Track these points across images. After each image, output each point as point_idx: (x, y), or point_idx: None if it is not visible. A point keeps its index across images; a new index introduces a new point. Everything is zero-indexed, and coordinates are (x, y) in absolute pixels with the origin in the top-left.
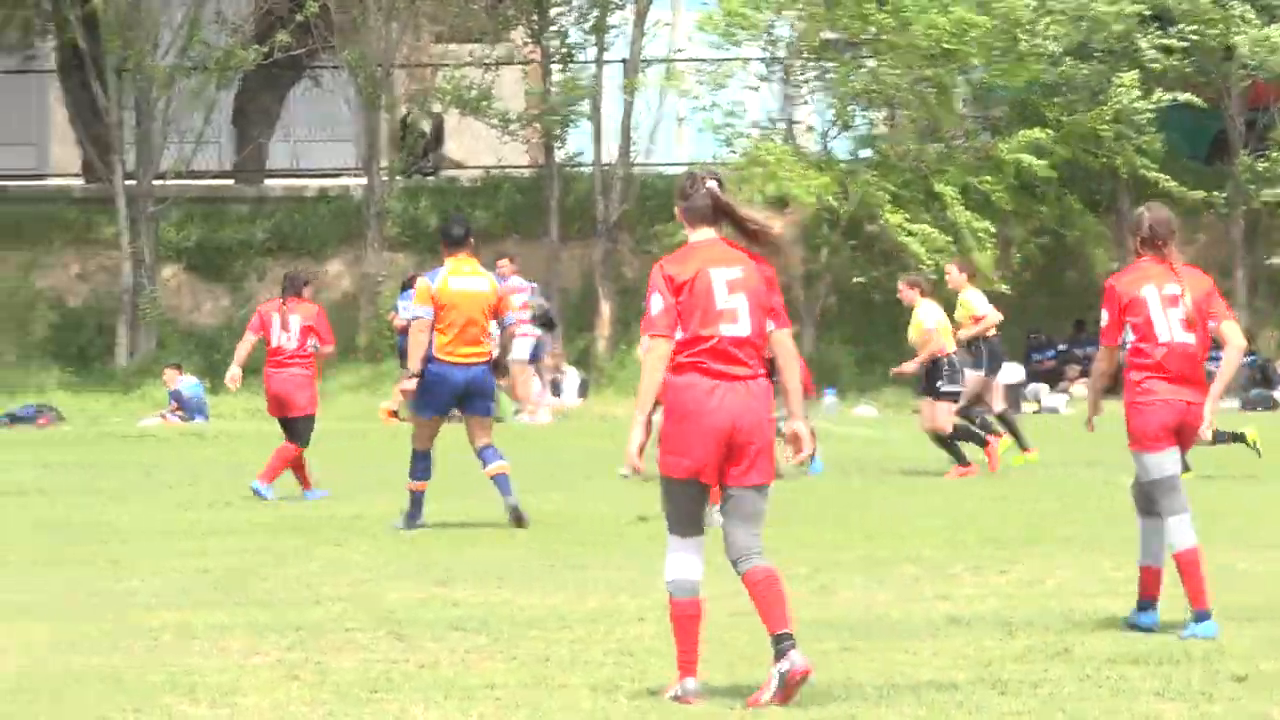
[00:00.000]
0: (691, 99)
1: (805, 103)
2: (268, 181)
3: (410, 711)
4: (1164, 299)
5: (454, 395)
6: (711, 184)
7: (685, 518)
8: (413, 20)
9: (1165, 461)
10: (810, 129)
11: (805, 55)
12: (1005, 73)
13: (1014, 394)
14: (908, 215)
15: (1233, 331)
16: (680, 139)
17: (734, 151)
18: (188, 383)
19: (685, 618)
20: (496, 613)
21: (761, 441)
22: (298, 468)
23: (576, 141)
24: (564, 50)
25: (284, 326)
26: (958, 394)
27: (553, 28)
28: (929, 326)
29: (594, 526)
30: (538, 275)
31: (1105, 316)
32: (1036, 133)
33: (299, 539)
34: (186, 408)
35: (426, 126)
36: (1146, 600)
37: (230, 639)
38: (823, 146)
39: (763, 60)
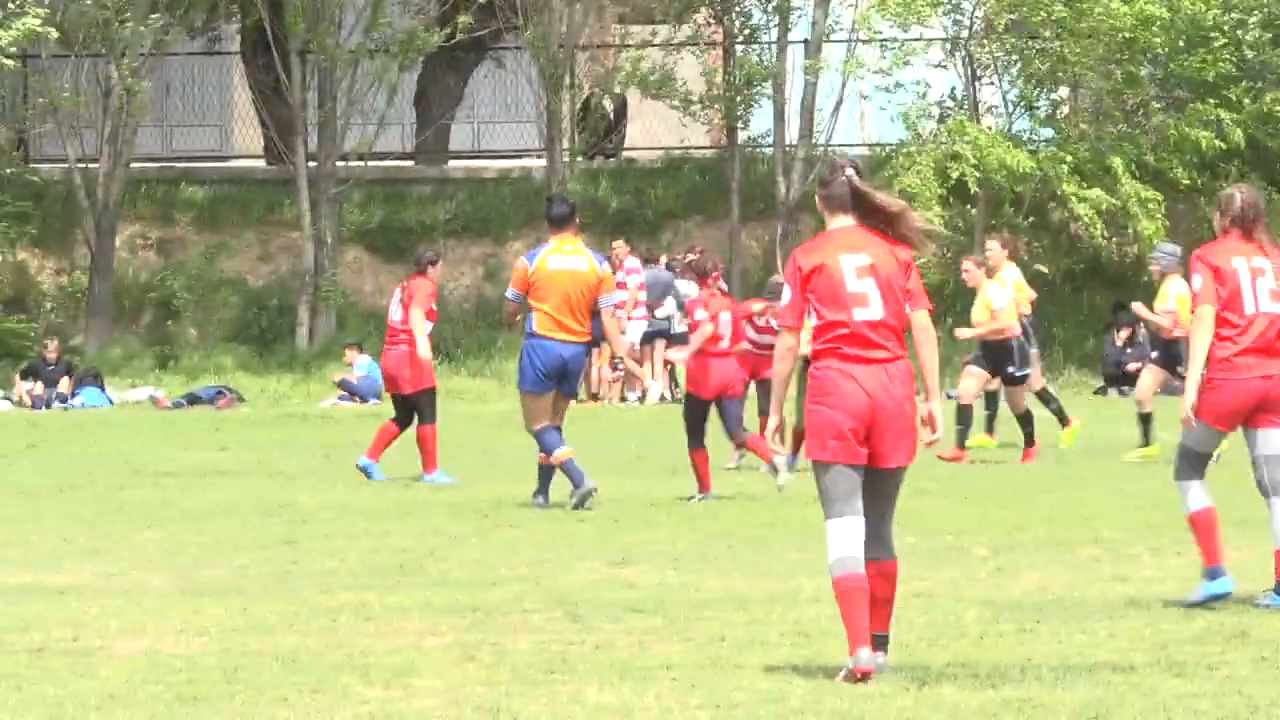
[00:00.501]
0: (874, 76)
1: (991, 83)
2: (449, 163)
3: (585, 693)
4: (1252, 271)
5: (556, 371)
6: (850, 172)
7: (839, 498)
8: (595, 2)
9: (1213, 438)
10: (991, 109)
11: (988, 37)
12: (1191, 65)
13: None
14: (1084, 185)
15: None
16: (863, 119)
17: (919, 132)
18: (363, 361)
19: (849, 592)
20: (672, 594)
21: (901, 423)
22: (424, 447)
23: (759, 122)
24: (746, 30)
25: (400, 303)
26: (1027, 376)
27: (736, 8)
28: (998, 306)
29: (773, 507)
30: (720, 255)
31: (1200, 282)
32: (1214, 109)
33: (477, 521)
34: (358, 392)
35: (609, 108)
36: None
37: (407, 620)
38: (1007, 127)
39: (946, 40)
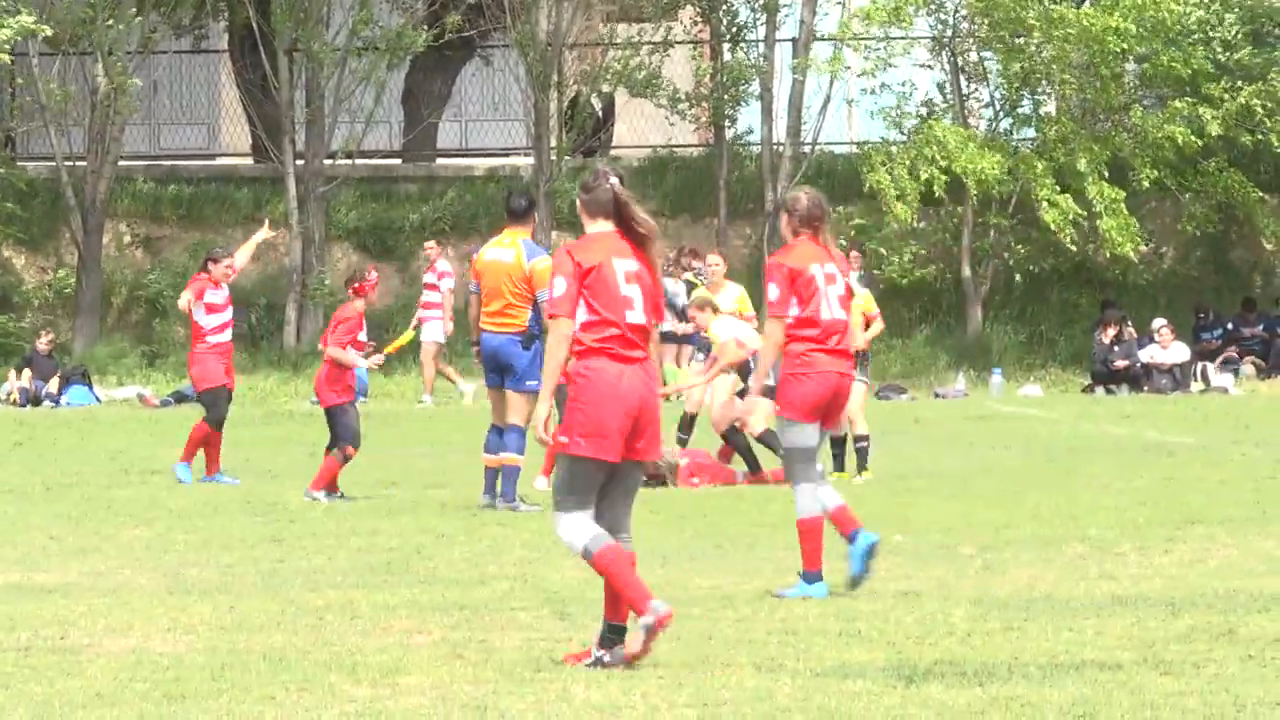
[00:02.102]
0: (859, 77)
1: (976, 84)
2: (437, 161)
3: (573, 691)
4: (826, 276)
5: (489, 361)
6: (614, 180)
7: (585, 492)
8: (583, 0)
9: (812, 433)
10: (978, 108)
11: (972, 38)
12: (1164, 63)
13: (1182, 373)
14: (1057, 189)
15: None
16: (850, 118)
17: (902, 132)
18: None
19: (613, 563)
20: (661, 592)
21: (657, 420)
22: (194, 440)
23: (745, 121)
24: (733, 29)
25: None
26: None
27: (722, 7)
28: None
29: (760, 507)
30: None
31: (777, 292)
32: (1194, 106)
33: (464, 519)
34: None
35: (597, 106)
36: None
37: (394, 618)
38: (992, 126)
39: (931, 39)
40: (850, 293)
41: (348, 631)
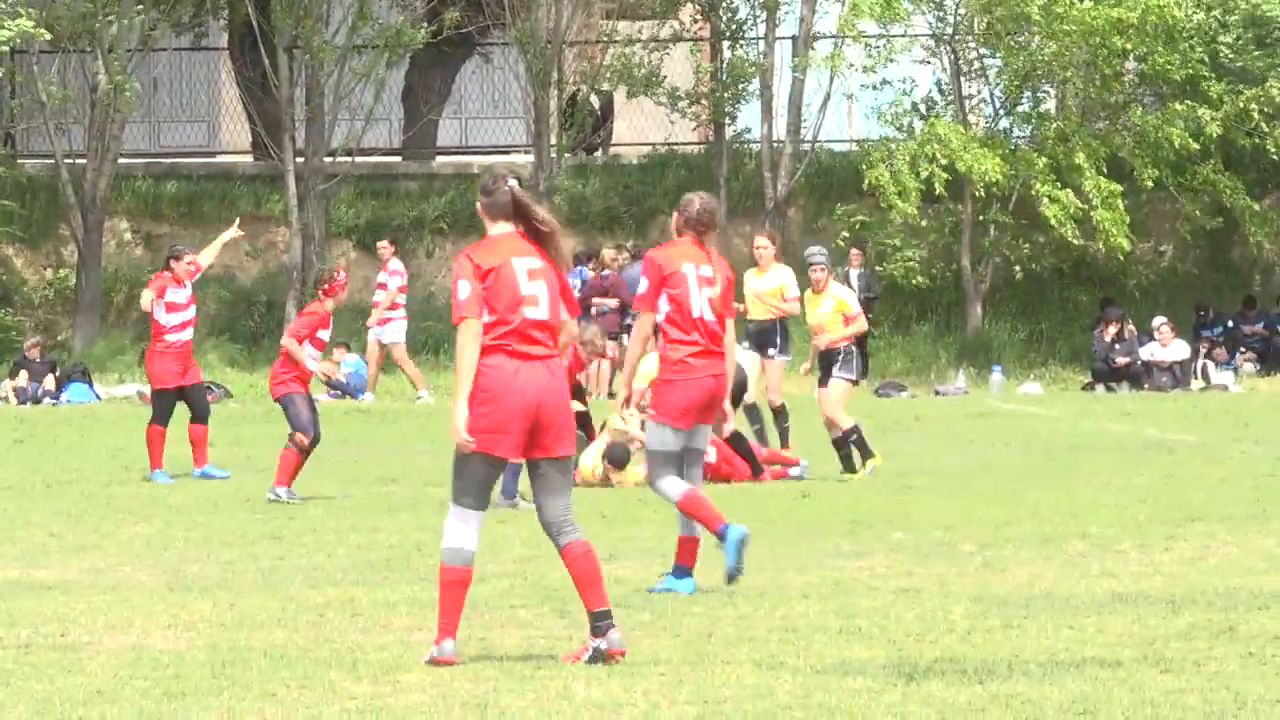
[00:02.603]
0: (859, 74)
1: (977, 80)
2: (437, 159)
3: (573, 688)
4: (700, 279)
5: None
6: (513, 182)
7: (476, 490)
8: None
9: (678, 438)
10: (977, 106)
11: (972, 34)
12: (1161, 63)
13: (1183, 370)
14: (1057, 185)
15: None
16: (850, 116)
17: (902, 130)
18: (351, 360)
19: (455, 584)
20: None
21: (564, 415)
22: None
23: (745, 118)
24: (733, 27)
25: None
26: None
27: (723, 4)
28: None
29: (759, 504)
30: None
31: (646, 285)
32: (1193, 108)
33: None
34: (345, 389)
35: (596, 104)
36: None
37: (394, 615)
38: (992, 124)
39: (931, 37)
40: (733, 295)
41: (348, 629)
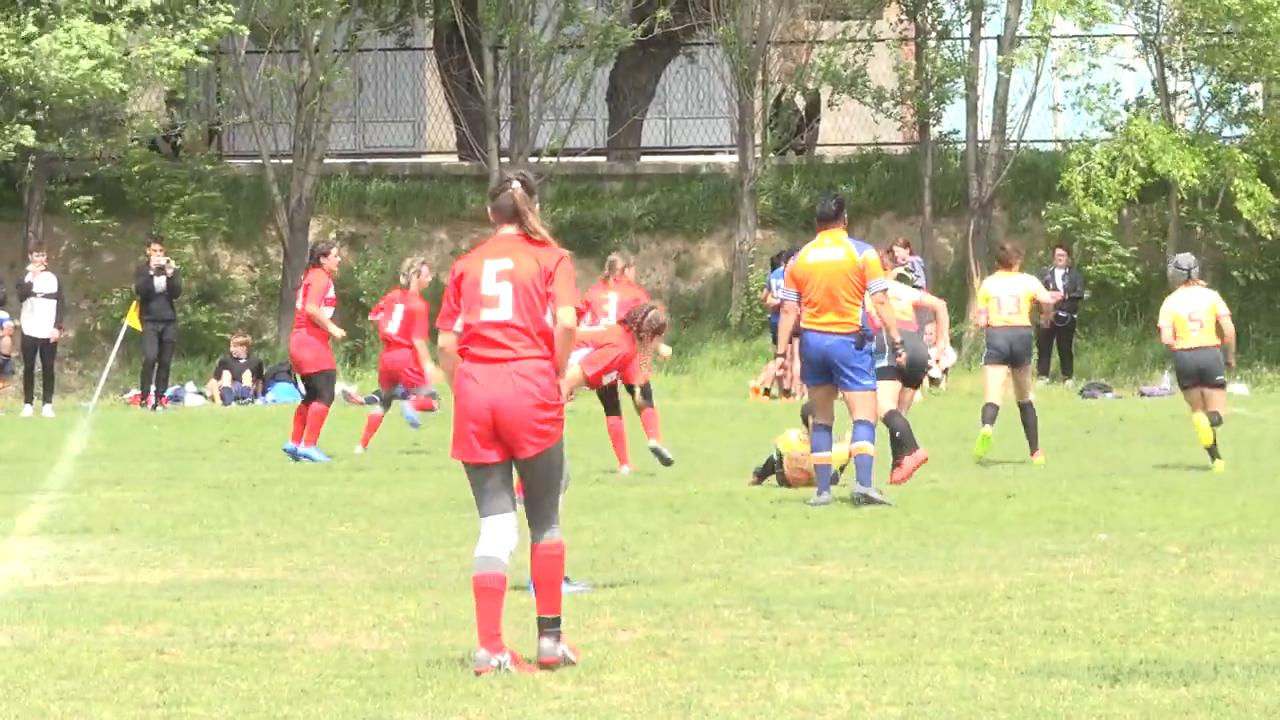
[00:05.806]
0: (1063, 77)
1: (1187, 79)
2: (642, 159)
3: (776, 689)
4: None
5: (817, 363)
6: (516, 185)
7: (481, 498)
8: None
9: None
10: (1185, 106)
11: (1179, 33)
12: None
13: None
14: (1258, 181)
15: None
16: (1056, 116)
17: (1109, 130)
18: None
19: (486, 591)
20: (864, 590)
21: (522, 417)
22: (312, 422)
23: (951, 118)
24: (939, 26)
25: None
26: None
27: (928, 4)
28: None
29: (965, 504)
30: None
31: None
32: None
33: (668, 516)
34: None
35: (801, 104)
36: None
37: (598, 616)
38: (1198, 123)
39: (1137, 36)
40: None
41: None
